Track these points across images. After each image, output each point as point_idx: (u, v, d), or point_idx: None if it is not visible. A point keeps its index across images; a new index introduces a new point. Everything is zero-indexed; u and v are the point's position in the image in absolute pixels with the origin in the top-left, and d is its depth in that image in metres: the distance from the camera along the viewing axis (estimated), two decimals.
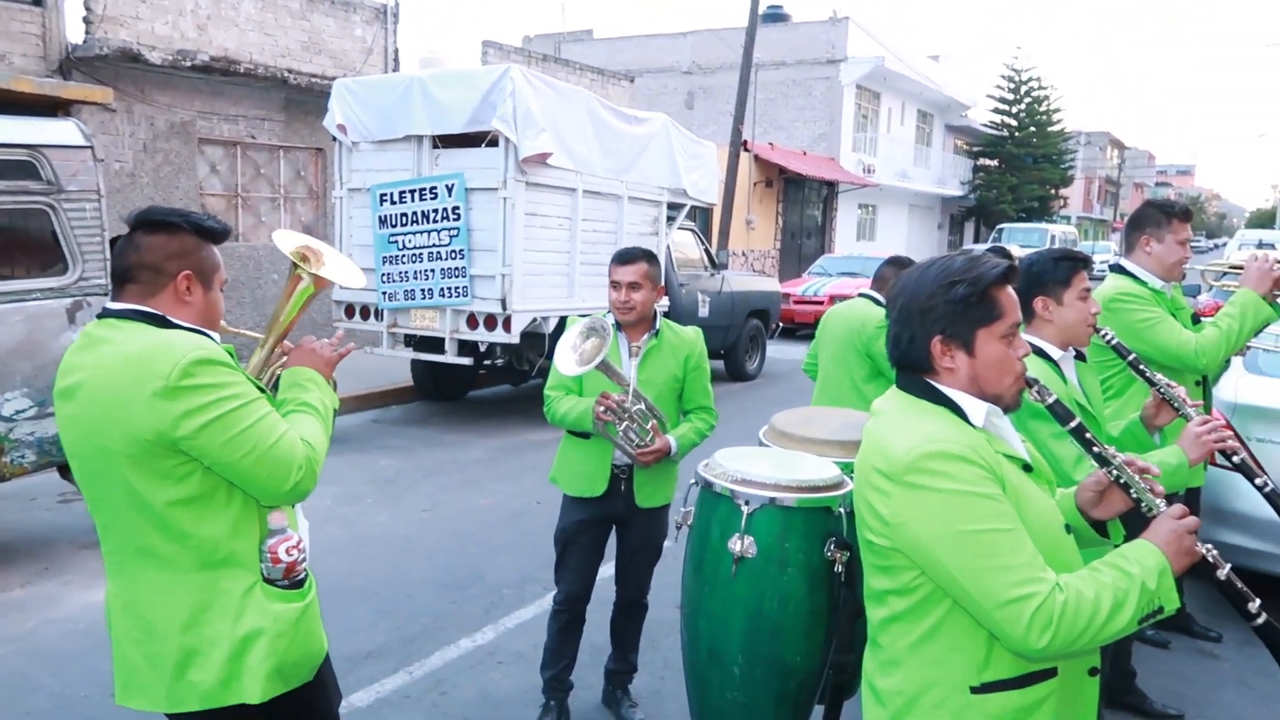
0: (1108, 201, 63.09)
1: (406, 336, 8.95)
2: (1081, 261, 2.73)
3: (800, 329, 16.76)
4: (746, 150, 21.98)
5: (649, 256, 3.51)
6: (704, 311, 10.82)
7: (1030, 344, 2.71)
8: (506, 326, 8.09)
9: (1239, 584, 1.73)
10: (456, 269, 8.24)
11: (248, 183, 11.08)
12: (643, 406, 3.29)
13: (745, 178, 21.78)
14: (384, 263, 8.59)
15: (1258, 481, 2.63)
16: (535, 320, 8.35)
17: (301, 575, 2.03)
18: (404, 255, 8.50)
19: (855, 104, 28.51)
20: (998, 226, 32.00)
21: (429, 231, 8.35)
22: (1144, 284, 3.54)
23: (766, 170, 22.93)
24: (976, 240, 37.42)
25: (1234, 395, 4.85)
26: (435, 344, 8.63)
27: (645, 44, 29.20)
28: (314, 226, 11.97)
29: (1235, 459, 2.63)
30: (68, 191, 4.98)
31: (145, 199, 9.88)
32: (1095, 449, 1.81)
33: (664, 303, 10.12)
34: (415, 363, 9.44)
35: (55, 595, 4.80)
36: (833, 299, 16.56)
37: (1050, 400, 1.83)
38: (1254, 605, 1.72)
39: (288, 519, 2.02)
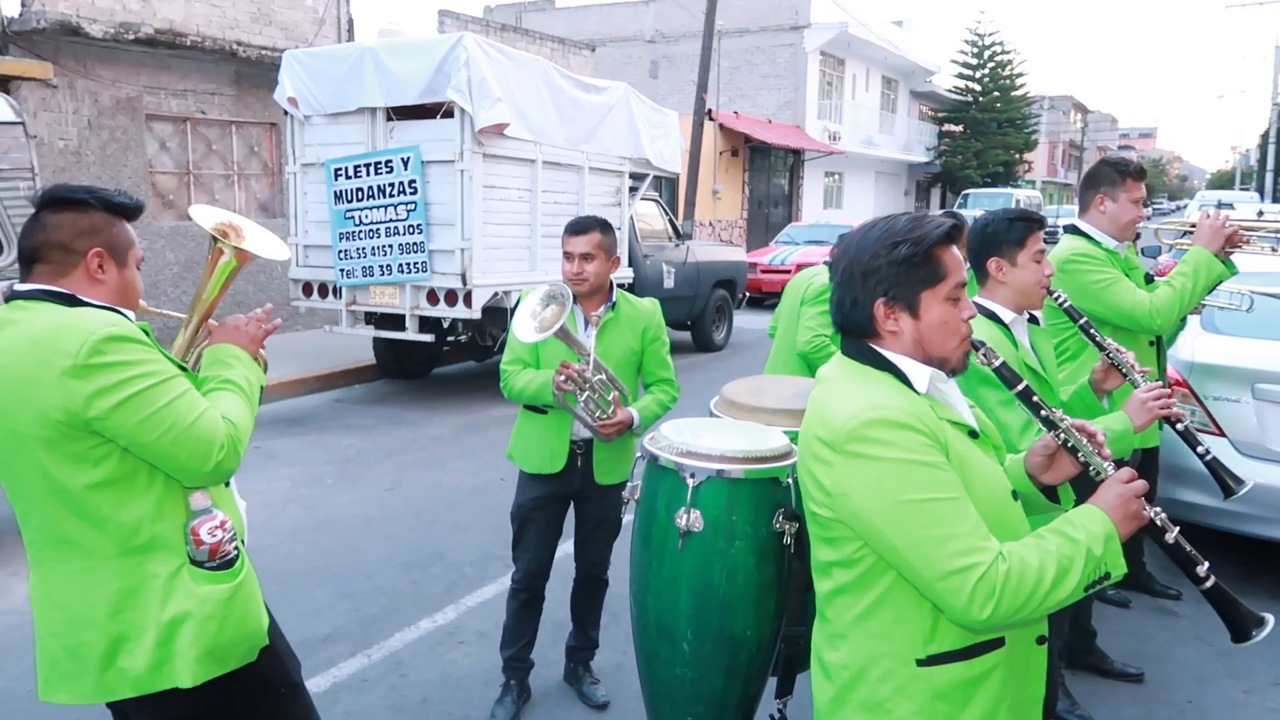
0: (1072, 165, 63.56)
1: (367, 314, 8.82)
2: (1036, 222, 2.69)
3: (768, 298, 16.72)
4: (711, 119, 21.83)
5: (603, 226, 3.42)
6: (669, 282, 10.74)
7: (982, 307, 2.71)
8: (468, 301, 7.97)
9: (1187, 548, 1.70)
10: (415, 244, 8.09)
11: (199, 159, 10.81)
12: (604, 377, 3.23)
13: (710, 147, 21.64)
14: (341, 239, 8.42)
15: (1199, 450, 2.64)
16: (497, 294, 8.23)
17: (231, 555, 1.96)
18: (361, 231, 8.33)
19: (820, 71, 28.39)
20: (963, 192, 32.15)
21: (385, 206, 8.18)
22: (1098, 244, 3.51)
23: (732, 139, 22.80)
24: (943, 206, 37.56)
25: (1191, 354, 4.86)
26: (396, 321, 8.49)
27: (609, 13, 28.85)
28: (269, 203, 11.72)
29: (1179, 426, 2.63)
30: None
31: (92, 178, 9.61)
32: (1043, 412, 1.76)
33: (628, 274, 10.02)
34: (377, 340, 9.30)
35: (3, 588, 4.67)
36: (799, 267, 16.50)
37: (997, 363, 1.78)
38: (1202, 569, 1.69)
39: (211, 499, 1.94)
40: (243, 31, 10.80)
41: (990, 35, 36.56)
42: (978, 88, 36.92)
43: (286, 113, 8.76)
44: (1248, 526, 4.60)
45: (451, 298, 8.05)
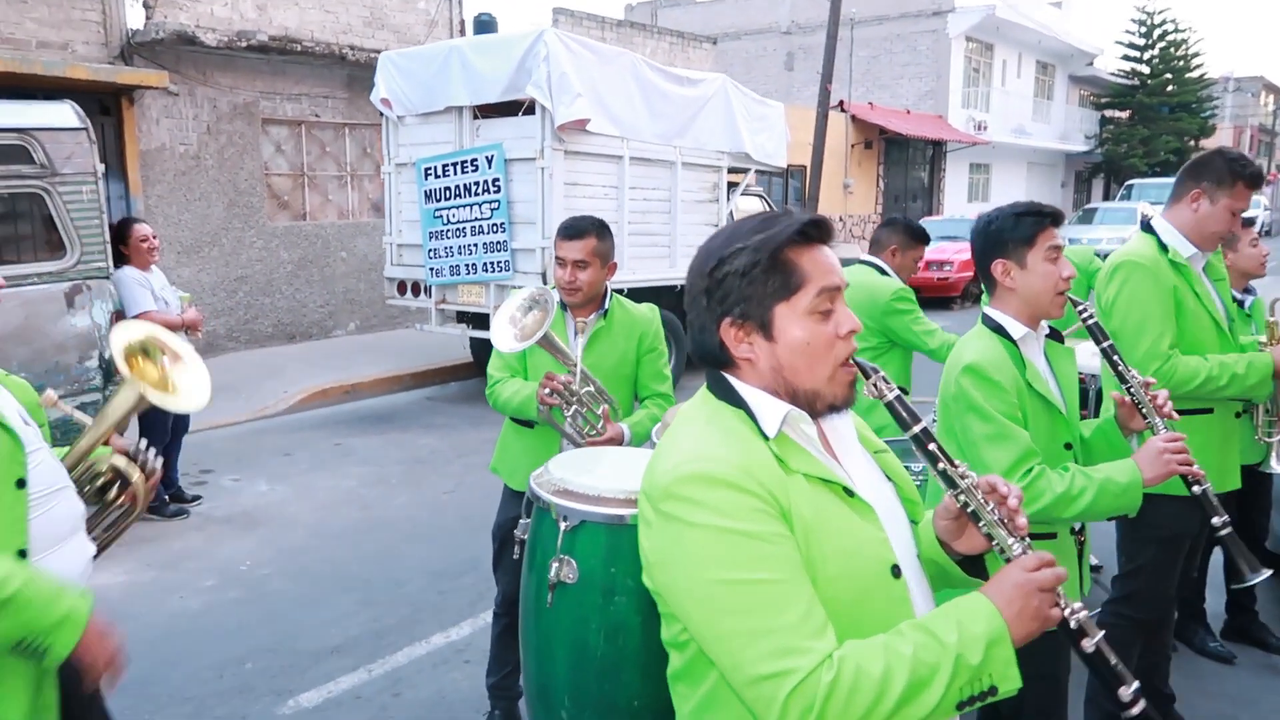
0: (1261, 152, 58.17)
1: (459, 313, 8.84)
2: (1048, 216, 2.25)
3: None
4: (843, 111, 21.06)
5: (599, 230, 3.14)
6: None
7: (988, 319, 2.27)
8: None
9: (1113, 660, 1.28)
10: (498, 243, 8.02)
11: (313, 161, 11.15)
12: (592, 389, 2.96)
13: (841, 140, 20.88)
14: (430, 238, 8.46)
15: (1216, 521, 2.18)
16: None
17: None
18: (449, 230, 8.34)
19: (965, 57, 26.93)
20: (1127, 182, 29.83)
21: (471, 205, 8.15)
22: (1164, 252, 2.90)
23: (866, 131, 21.91)
24: (1106, 198, 35.01)
25: None
26: (483, 320, 8.45)
27: (743, 5, 28.30)
28: (381, 202, 11.98)
29: (1195, 489, 2.16)
30: (62, 175, 4.94)
31: (210, 181, 10.06)
32: (940, 465, 1.37)
33: None
34: (474, 338, 9.32)
35: None
36: (928, 265, 15.70)
37: (890, 396, 1.39)
38: (1128, 690, 1.26)
39: None
40: (355, 36, 11.06)
41: (1161, 13, 33.77)
42: (1146, 70, 34.17)
43: (382, 114, 8.86)
44: None
45: None
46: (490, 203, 8.01)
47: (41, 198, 4.90)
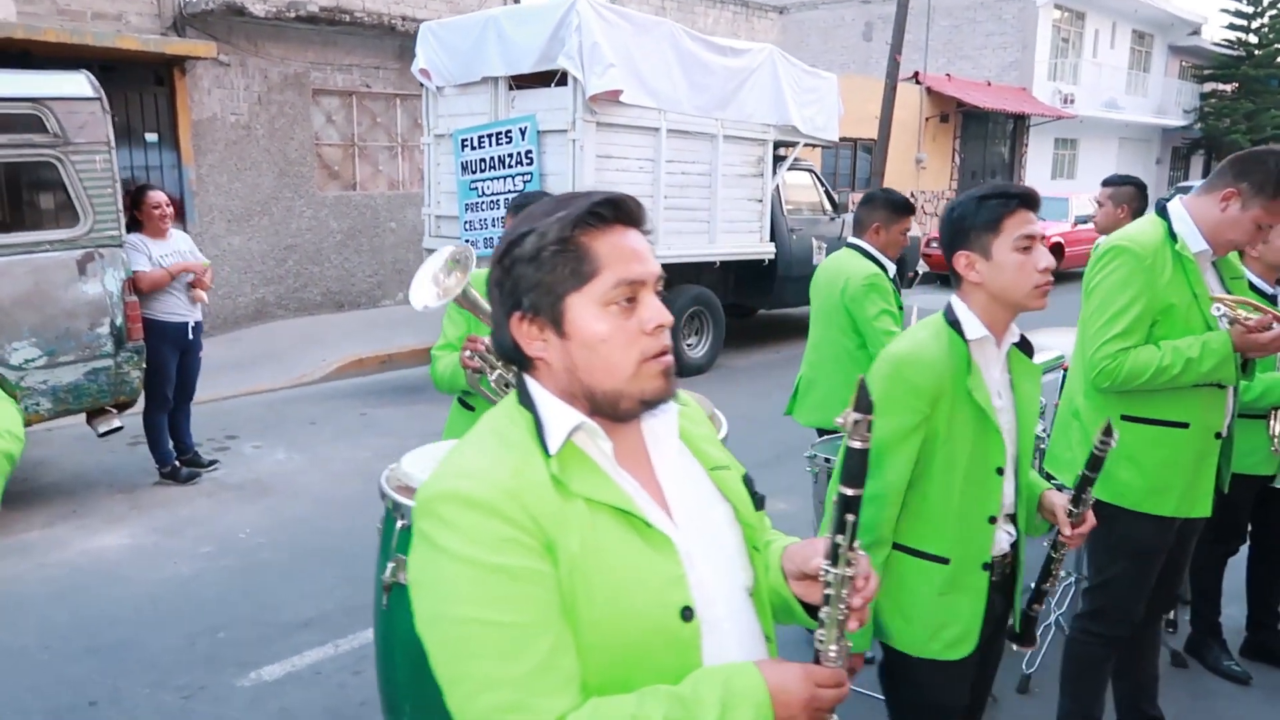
0: None
1: None
2: (1016, 198, 1.95)
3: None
4: (917, 83, 20.36)
5: None
6: (819, 259, 9.98)
7: (949, 314, 2.01)
8: None
9: None
10: None
11: (364, 132, 11.22)
12: None
13: (915, 113, 20.20)
14: (466, 210, 8.43)
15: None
16: None
17: None
18: (484, 202, 8.29)
19: (1053, 27, 25.71)
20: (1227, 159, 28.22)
21: (505, 177, 8.08)
22: (1171, 242, 2.59)
23: (942, 104, 21.14)
24: (1204, 176, 33.24)
25: None
26: None
27: None
28: None
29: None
30: (75, 144, 5.01)
31: (261, 151, 10.20)
32: (840, 538, 1.20)
33: (769, 249, 9.41)
34: None
35: (63, 540, 4.94)
36: None
37: (859, 445, 1.20)
38: None
39: None
40: (407, 6, 11.06)
41: None
42: (1254, 40, 32.19)
43: (423, 85, 8.84)
44: None
45: None
46: (523, 175, 7.93)
47: (55, 166, 4.98)
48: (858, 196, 17.79)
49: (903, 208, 3.72)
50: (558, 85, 7.67)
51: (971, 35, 25.34)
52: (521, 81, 8.07)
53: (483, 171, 8.23)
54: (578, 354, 1.17)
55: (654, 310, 1.18)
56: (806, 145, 10.08)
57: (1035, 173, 25.52)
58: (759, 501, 1.39)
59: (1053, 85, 25.49)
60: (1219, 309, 2.58)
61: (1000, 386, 2.01)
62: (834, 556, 1.19)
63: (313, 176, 10.68)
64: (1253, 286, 3.37)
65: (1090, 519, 2.00)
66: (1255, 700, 3.49)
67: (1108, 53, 28.57)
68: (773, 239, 9.49)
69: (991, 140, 23.70)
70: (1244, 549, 3.73)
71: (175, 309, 5.55)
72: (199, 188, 9.76)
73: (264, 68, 10.08)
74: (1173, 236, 2.59)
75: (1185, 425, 2.61)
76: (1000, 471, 1.97)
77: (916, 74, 20.69)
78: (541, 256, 1.15)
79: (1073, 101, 25.57)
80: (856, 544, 1.19)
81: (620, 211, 1.19)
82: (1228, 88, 33.11)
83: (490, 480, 1.10)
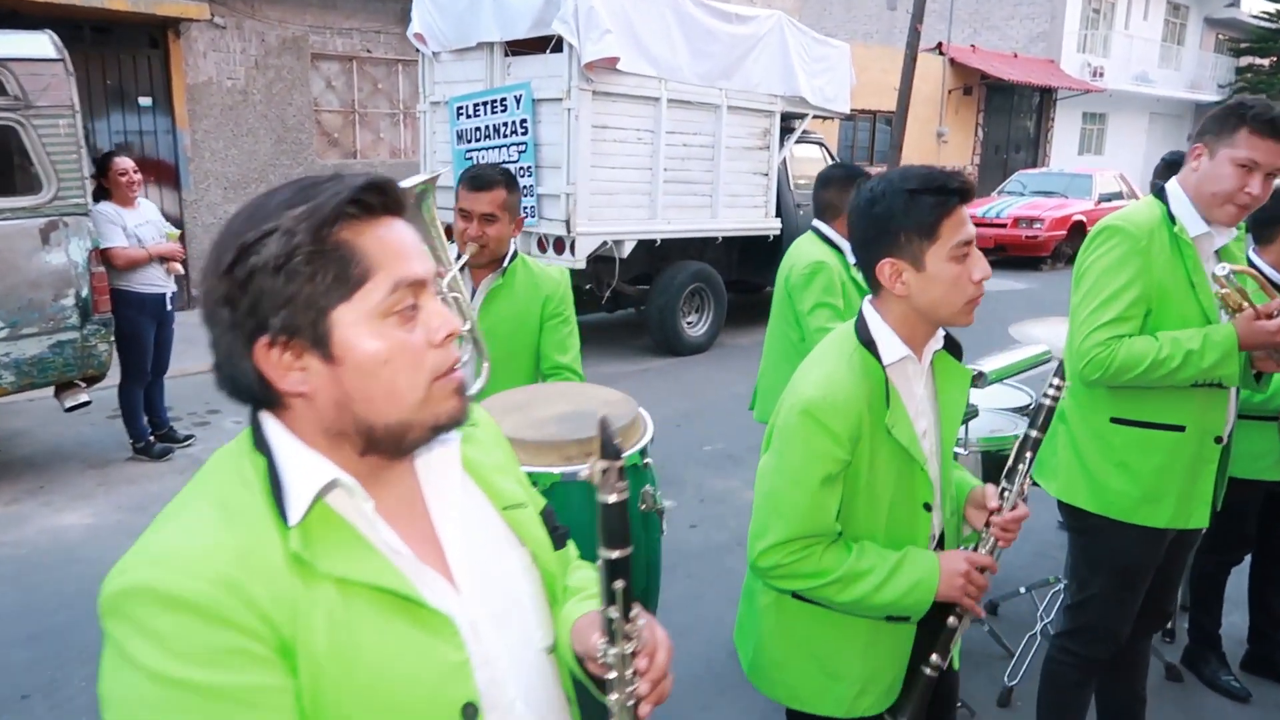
0: None
1: None
2: (955, 192, 1.61)
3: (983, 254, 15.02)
4: (940, 54, 19.85)
5: (508, 181, 2.81)
6: None
7: (867, 332, 1.71)
8: (573, 250, 7.49)
9: None
10: (525, 187, 7.69)
11: (365, 98, 10.99)
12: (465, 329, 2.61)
13: (937, 85, 19.70)
14: None
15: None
16: (606, 244, 7.70)
17: None
18: None
19: None
20: None
21: (499, 147, 7.84)
22: (1168, 224, 2.33)
23: (965, 76, 20.60)
24: None
25: None
26: None
27: None
28: None
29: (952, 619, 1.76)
30: (37, 107, 4.82)
31: (258, 116, 10.00)
32: (616, 611, 1.01)
33: (775, 225, 9.12)
34: None
35: (25, 517, 4.81)
36: (1016, 222, 14.73)
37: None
38: None
39: None
40: None
41: None
42: None
43: (418, 50, 8.59)
44: None
45: (559, 245, 7.62)
46: (518, 145, 7.68)
47: (15, 131, 4.80)
48: (874, 171, 17.27)
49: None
50: (553, 52, 7.40)
51: (999, 5, 24.69)
52: (517, 47, 7.81)
53: (478, 141, 7.99)
54: (352, 381, 0.93)
55: (441, 317, 0.97)
56: (817, 117, 9.76)
57: (1062, 148, 24.92)
58: (559, 540, 1.20)
59: (1082, 57, 24.83)
60: (1217, 288, 2.31)
61: (923, 405, 1.75)
62: (610, 633, 0.99)
63: (311, 144, 10.48)
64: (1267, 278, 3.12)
65: (1024, 508, 1.73)
66: (1254, 718, 3.27)
67: (1140, 24, 27.78)
68: (779, 215, 9.20)
69: (1016, 114, 23.12)
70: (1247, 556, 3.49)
71: (152, 280, 5.38)
72: (194, 154, 9.58)
73: (261, 31, 9.85)
74: (1171, 219, 2.35)
75: (1181, 429, 2.36)
76: (928, 507, 1.75)
77: (940, 45, 20.17)
78: (293, 263, 0.90)
79: (1102, 75, 24.91)
80: (636, 614, 1.00)
81: (387, 198, 0.96)
82: (1265, 62, 32.16)
83: (202, 569, 0.86)
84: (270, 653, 0.87)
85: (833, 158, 10.12)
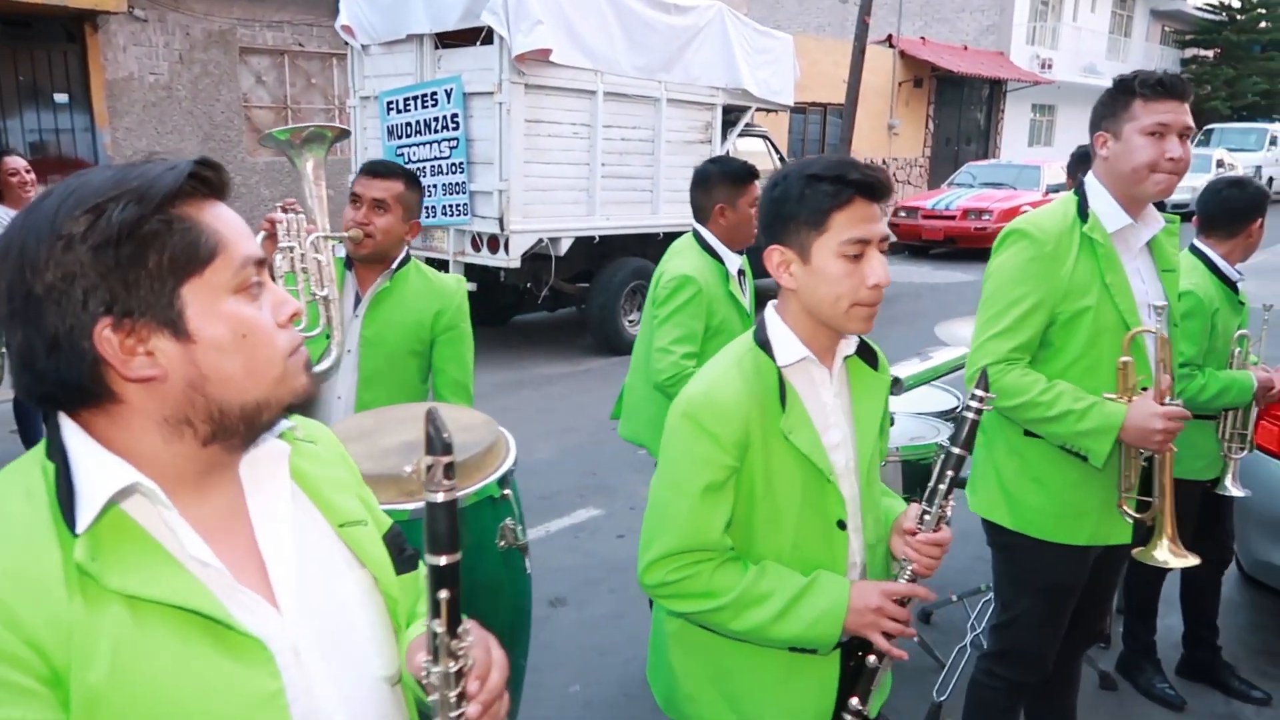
0: None
1: (427, 259, 8.33)
2: (855, 186, 1.45)
3: (932, 246, 15.05)
4: (890, 46, 19.84)
5: (409, 178, 2.63)
6: None
7: (768, 331, 1.55)
8: (506, 248, 7.27)
9: None
10: (457, 184, 7.46)
11: (298, 93, 10.68)
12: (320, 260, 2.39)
13: (887, 77, 19.69)
14: None
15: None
16: (541, 242, 7.48)
17: None
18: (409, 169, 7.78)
19: None
20: (1206, 128, 27.89)
21: (430, 143, 7.59)
22: (1078, 223, 2.19)
23: (916, 68, 20.61)
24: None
25: None
26: (445, 267, 7.94)
27: None
28: None
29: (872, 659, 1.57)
30: None
31: (184, 113, 9.65)
32: (442, 627, 0.92)
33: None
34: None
35: None
36: (965, 213, 14.72)
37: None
38: None
39: None
40: None
41: None
42: (1236, 4, 31.74)
43: (347, 43, 8.31)
44: None
45: (493, 244, 7.39)
46: (449, 140, 7.44)
47: None
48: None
49: (744, 177, 2.93)
50: (483, 44, 7.16)
51: None
52: (448, 39, 7.57)
53: (409, 136, 7.74)
54: (208, 359, 0.89)
55: (281, 294, 0.96)
56: (762, 110, 9.61)
57: (1012, 140, 25.09)
58: (407, 563, 1.11)
59: (1031, 50, 25.01)
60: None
61: (836, 414, 1.58)
62: (433, 650, 0.91)
63: (241, 141, 10.14)
64: (1218, 273, 3.00)
65: (946, 531, 1.55)
66: None
67: (1088, 17, 28.07)
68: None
69: (967, 106, 23.21)
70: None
71: None
72: (115, 152, 9.21)
73: (185, 24, 9.50)
74: (1083, 216, 2.20)
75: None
76: (843, 525, 1.56)
77: (890, 37, 20.16)
78: (140, 235, 0.85)
79: (1051, 66, 25.12)
80: (464, 629, 0.92)
81: (220, 177, 0.94)
82: (1209, 54, 32.72)
83: None
84: (37, 684, 0.79)
85: (777, 150, 9.98)
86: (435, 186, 7.59)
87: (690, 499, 1.47)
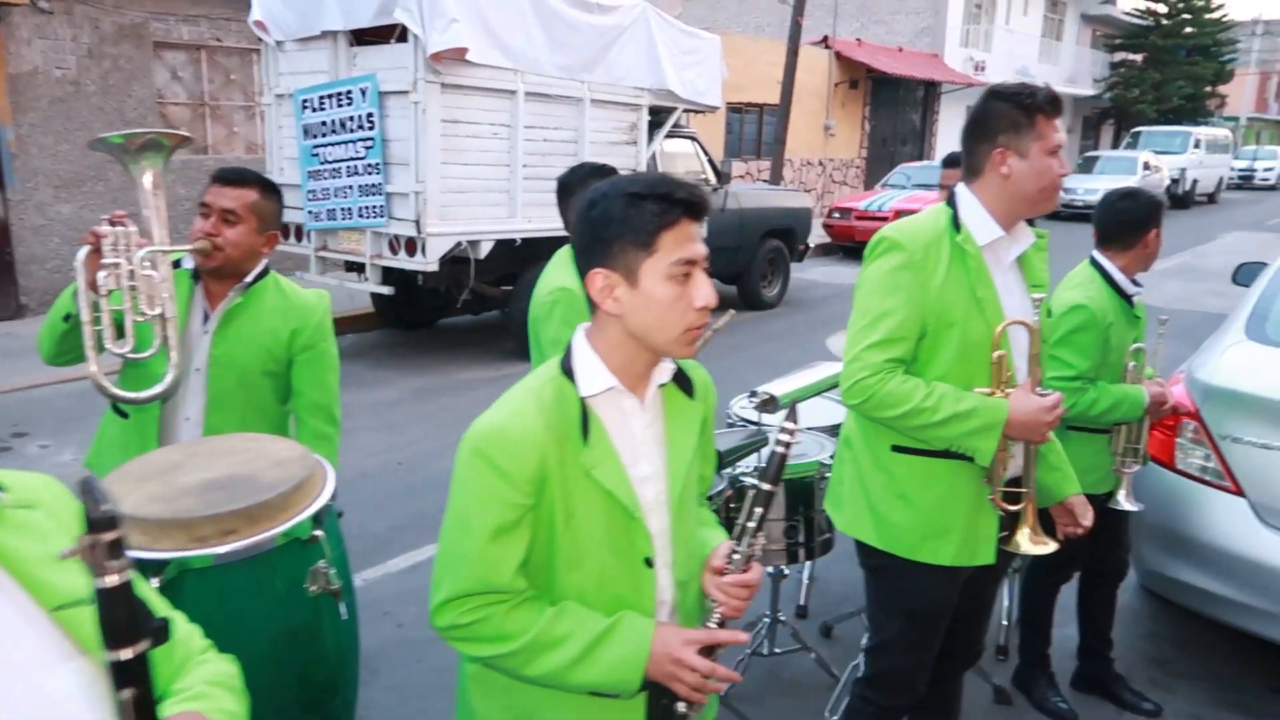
0: None
1: (348, 262, 8.12)
2: (682, 205, 1.38)
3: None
4: (826, 47, 19.96)
5: (265, 187, 2.48)
6: (700, 231, 9.48)
7: (575, 359, 1.46)
8: (424, 251, 7.10)
9: None
10: (373, 185, 7.26)
11: (216, 90, 10.34)
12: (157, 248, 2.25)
13: (824, 79, 19.81)
14: (309, 178, 7.70)
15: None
16: (460, 244, 7.32)
17: None
18: (325, 170, 7.58)
19: None
20: (1133, 130, 28.59)
21: (346, 143, 7.38)
22: (953, 234, 2.16)
23: (851, 70, 20.76)
24: (1114, 145, 33.72)
25: (1212, 373, 3.41)
26: (364, 269, 7.74)
27: None
28: None
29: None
30: None
31: (93, 110, 9.29)
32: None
33: None
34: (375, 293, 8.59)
35: None
36: (898, 214, 14.84)
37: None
38: None
39: None
40: None
41: None
42: (1163, 9, 32.62)
43: (261, 40, 8.05)
44: (1278, 633, 3.18)
45: (410, 246, 7.21)
46: (365, 140, 7.24)
47: None
48: (743, 165, 17.36)
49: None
50: (398, 41, 6.99)
51: (885, 0, 25.02)
52: (364, 36, 7.37)
53: (324, 136, 7.52)
54: None
55: None
56: (691, 111, 9.55)
57: (946, 141, 25.41)
58: (153, 636, 0.93)
59: (965, 52, 25.39)
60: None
61: (647, 445, 1.49)
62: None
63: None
64: (1114, 284, 2.99)
65: (756, 571, 1.48)
66: None
67: (1020, 20, 28.60)
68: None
69: (902, 107, 23.47)
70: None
71: None
72: (19, 149, 8.82)
73: (94, 17, 9.13)
74: (956, 226, 2.15)
75: (969, 458, 2.15)
76: (650, 562, 1.48)
77: (826, 38, 20.28)
78: None
79: (984, 69, 25.53)
80: None
81: None
82: (1137, 57, 33.59)
83: None
84: None
85: (706, 152, 9.93)
86: (351, 187, 7.39)
87: (479, 540, 1.38)
